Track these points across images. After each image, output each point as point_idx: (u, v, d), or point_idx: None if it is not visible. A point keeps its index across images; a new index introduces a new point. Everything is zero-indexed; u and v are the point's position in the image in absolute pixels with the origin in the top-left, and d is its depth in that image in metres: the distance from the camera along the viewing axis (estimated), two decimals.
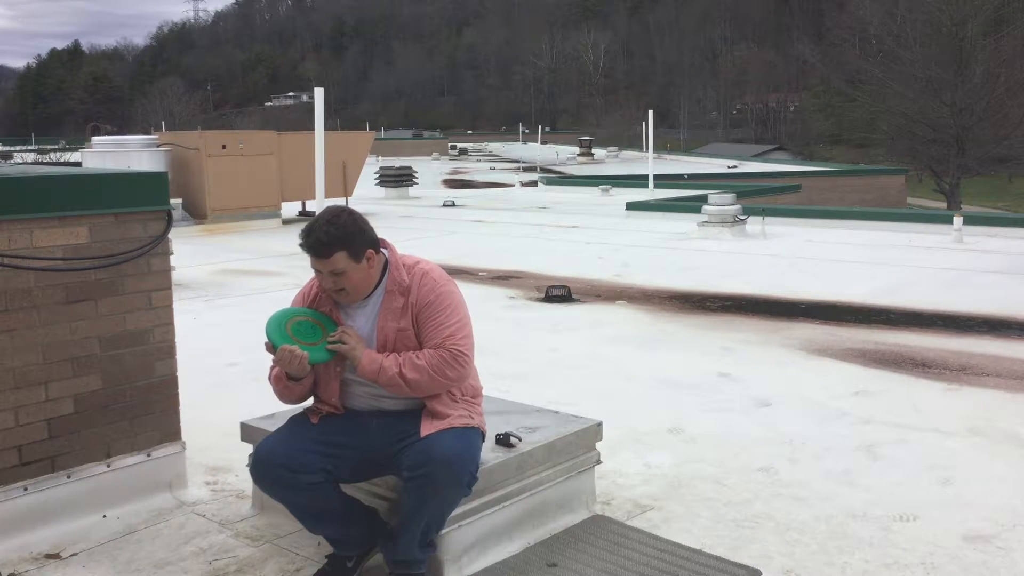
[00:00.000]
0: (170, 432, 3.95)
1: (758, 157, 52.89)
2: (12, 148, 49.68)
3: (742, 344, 6.99)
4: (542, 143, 51.71)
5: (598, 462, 3.81)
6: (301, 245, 3.09)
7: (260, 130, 26.60)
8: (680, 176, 27.74)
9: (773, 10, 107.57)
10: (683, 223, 14.88)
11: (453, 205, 20.66)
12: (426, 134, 79.49)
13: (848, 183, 29.45)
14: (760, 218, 14.01)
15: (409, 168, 24.38)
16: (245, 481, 3.97)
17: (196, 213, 15.34)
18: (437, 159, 49.11)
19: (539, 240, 14.01)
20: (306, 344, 3.11)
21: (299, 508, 3.16)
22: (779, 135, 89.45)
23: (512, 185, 28.62)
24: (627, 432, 4.78)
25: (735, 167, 38.39)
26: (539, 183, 28.85)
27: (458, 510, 3.17)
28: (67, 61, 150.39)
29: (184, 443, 4.01)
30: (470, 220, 17.18)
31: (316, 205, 8.81)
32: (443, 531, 3.16)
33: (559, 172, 37.75)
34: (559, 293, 8.92)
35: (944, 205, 37.51)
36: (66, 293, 3.56)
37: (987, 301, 8.51)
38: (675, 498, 4.01)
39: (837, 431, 4.93)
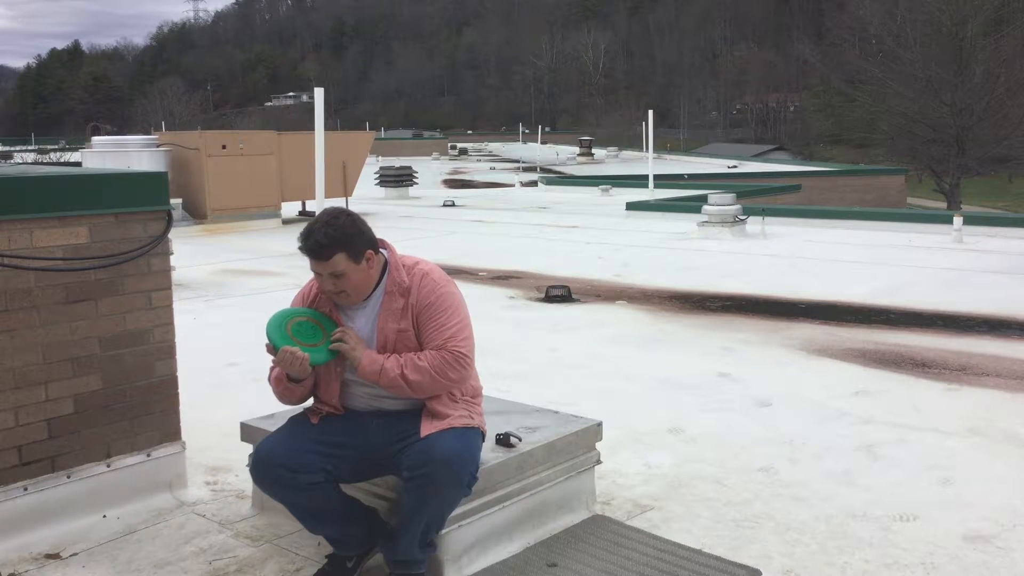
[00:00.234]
0: (170, 432, 3.95)
1: (758, 157, 52.90)
2: (12, 148, 49.68)
3: (742, 344, 6.99)
4: (542, 143, 51.74)
5: (598, 462, 3.81)
6: (300, 248, 3.08)
7: (260, 130, 26.60)
8: (680, 176, 27.75)
9: (773, 10, 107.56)
10: (683, 223, 14.88)
11: (453, 205, 20.66)
12: (426, 134, 79.50)
13: (848, 183, 29.46)
14: (760, 218, 14.01)
15: (409, 168, 24.38)
16: (245, 481, 3.97)
17: (196, 213, 15.34)
18: (437, 159, 49.12)
19: (539, 240, 14.01)
20: (307, 345, 3.11)
21: (299, 508, 3.16)
22: (779, 135, 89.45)
23: (512, 185, 28.62)
24: (627, 432, 4.78)
25: (735, 167, 38.39)
26: (539, 183, 28.85)
27: (458, 510, 3.17)
28: (67, 61, 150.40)
29: (184, 443, 4.01)
30: (470, 220, 17.18)
31: (316, 205, 8.80)
32: (443, 531, 3.16)
33: (559, 172, 37.76)
34: (559, 293, 8.92)
35: (944, 205, 37.52)
36: (66, 293, 3.56)
37: (987, 301, 8.51)
38: (675, 498, 4.01)
39: (837, 431, 4.93)
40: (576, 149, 52.81)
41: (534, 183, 29.09)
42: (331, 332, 3.16)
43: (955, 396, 5.58)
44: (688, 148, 72.98)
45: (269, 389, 3.29)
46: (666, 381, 5.97)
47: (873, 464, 4.43)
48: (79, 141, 40.27)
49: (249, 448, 3.73)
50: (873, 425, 5.01)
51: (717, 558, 3.39)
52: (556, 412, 3.89)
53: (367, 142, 20.46)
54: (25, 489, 3.51)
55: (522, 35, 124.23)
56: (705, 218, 13.93)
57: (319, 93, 8.70)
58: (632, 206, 17.78)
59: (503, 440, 3.45)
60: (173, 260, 3.96)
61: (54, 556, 3.44)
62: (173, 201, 13.23)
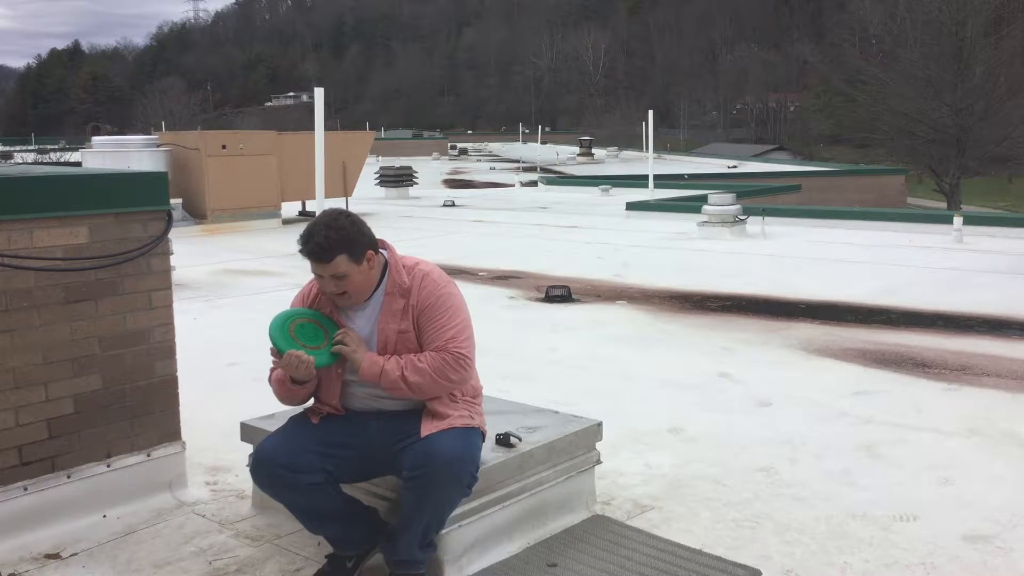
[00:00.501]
0: (170, 432, 3.95)
1: (758, 157, 52.95)
2: (12, 148, 49.67)
3: (742, 344, 6.99)
4: (542, 143, 51.79)
5: (598, 462, 3.81)
6: (301, 250, 3.07)
7: (260, 130, 26.60)
8: (680, 176, 27.76)
9: (773, 10, 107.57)
10: (683, 223, 14.88)
11: (453, 205, 20.66)
12: (426, 134, 79.50)
13: (848, 183, 29.49)
14: (760, 218, 14.01)
15: (409, 168, 24.38)
16: (245, 481, 3.97)
17: (196, 213, 15.34)
18: (437, 159, 49.13)
19: (539, 240, 14.01)
20: (310, 348, 3.10)
21: (299, 509, 3.16)
22: (779, 135, 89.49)
23: (512, 185, 28.63)
24: (627, 432, 4.78)
25: (735, 167, 38.42)
26: (539, 183, 28.87)
27: (458, 510, 3.17)
28: (67, 61, 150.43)
29: (184, 443, 4.01)
30: (470, 220, 17.19)
31: (316, 205, 8.80)
32: (443, 531, 3.16)
33: (559, 172, 37.78)
34: (559, 293, 8.92)
35: (944, 205, 37.52)
36: (66, 293, 3.56)
37: (987, 301, 8.51)
38: (675, 498, 4.01)
39: (837, 431, 4.93)
40: (576, 149, 52.86)
41: (534, 183, 29.10)
42: (333, 333, 3.16)
43: (955, 396, 5.58)
44: (688, 148, 73.03)
45: (269, 389, 3.29)
46: (666, 381, 5.97)
47: (873, 464, 4.43)
48: (79, 141, 40.29)
49: (249, 448, 3.73)
50: (873, 425, 5.01)
51: (717, 558, 3.39)
52: (556, 412, 3.89)
53: (367, 142, 20.46)
54: (25, 489, 3.51)
55: (522, 35, 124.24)
56: (705, 218, 13.93)
57: (319, 93, 8.70)
58: (632, 206, 17.78)
59: (503, 440, 3.45)
60: (173, 260, 3.96)
61: (54, 556, 3.44)
62: (173, 201, 13.22)
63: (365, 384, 3.16)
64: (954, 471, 4.31)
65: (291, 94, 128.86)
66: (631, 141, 61.29)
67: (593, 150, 52.64)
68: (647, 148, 22.25)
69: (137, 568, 3.38)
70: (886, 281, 9.81)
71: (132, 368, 3.78)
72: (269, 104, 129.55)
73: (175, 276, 4.04)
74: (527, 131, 69.67)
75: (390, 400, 3.18)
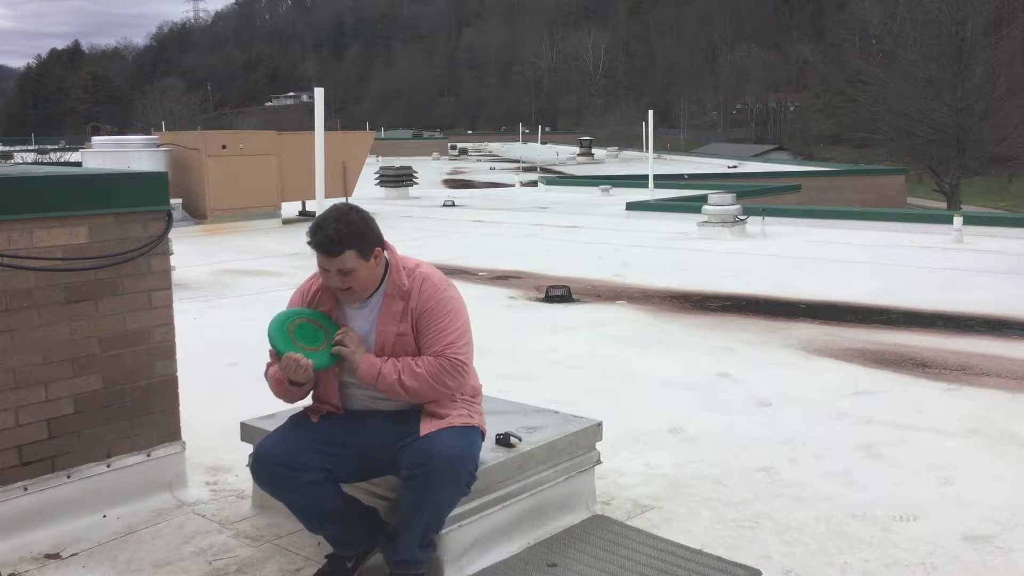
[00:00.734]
0: (170, 432, 3.95)
1: (758, 157, 52.95)
2: (12, 148, 49.67)
3: (742, 344, 6.99)
4: (542, 143, 51.77)
5: (598, 462, 3.81)
6: (309, 242, 3.06)
7: (260, 130, 26.59)
8: (680, 176, 27.77)
9: (773, 10, 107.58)
10: (683, 223, 14.88)
11: (453, 205, 20.66)
12: (426, 134, 79.52)
13: (848, 183, 29.49)
14: (760, 218, 14.01)
15: (409, 168, 24.37)
16: (245, 481, 3.97)
17: (196, 213, 15.34)
18: (437, 159, 49.13)
19: (539, 240, 14.01)
20: (309, 349, 3.10)
21: (299, 508, 3.16)
22: (779, 135, 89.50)
23: (512, 185, 28.63)
24: (627, 432, 4.78)
25: (735, 167, 38.42)
26: (539, 183, 28.86)
27: (458, 510, 3.17)
28: (67, 61, 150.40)
29: (184, 443, 4.01)
30: (470, 220, 17.19)
31: (316, 205, 8.80)
32: (443, 531, 3.16)
33: (559, 172, 37.79)
34: (559, 293, 8.92)
35: (944, 205, 37.52)
36: (66, 293, 3.56)
37: (987, 301, 8.51)
38: (675, 498, 4.01)
39: (837, 431, 4.93)
40: (576, 149, 52.85)
41: (534, 183, 29.10)
42: (332, 334, 3.15)
43: (955, 396, 5.58)
44: (688, 148, 73.03)
45: (269, 388, 3.29)
46: (666, 381, 5.97)
47: (873, 464, 4.43)
48: (79, 141, 40.29)
49: (249, 448, 3.73)
50: (873, 425, 5.01)
51: (717, 558, 3.39)
52: (556, 412, 3.89)
53: (367, 142, 20.46)
54: (25, 489, 3.51)
55: (522, 35, 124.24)
56: (705, 218, 13.93)
57: (319, 93, 8.70)
58: (632, 206, 17.78)
59: (503, 440, 3.45)
60: (173, 260, 3.96)
61: (54, 556, 3.44)
62: (173, 201, 13.22)
63: (363, 385, 3.16)
64: (954, 471, 4.31)
65: (291, 94, 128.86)
66: (631, 141, 61.30)
67: (593, 150, 52.63)
68: (647, 148, 22.25)
69: (137, 568, 3.38)
70: (886, 281, 9.81)
71: (132, 368, 3.78)
72: (269, 104, 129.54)
73: (175, 276, 4.04)
74: (527, 131, 69.66)
75: (388, 401, 3.17)
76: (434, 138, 70.39)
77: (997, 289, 9.24)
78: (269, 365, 3.24)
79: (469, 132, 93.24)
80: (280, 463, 3.04)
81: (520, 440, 3.48)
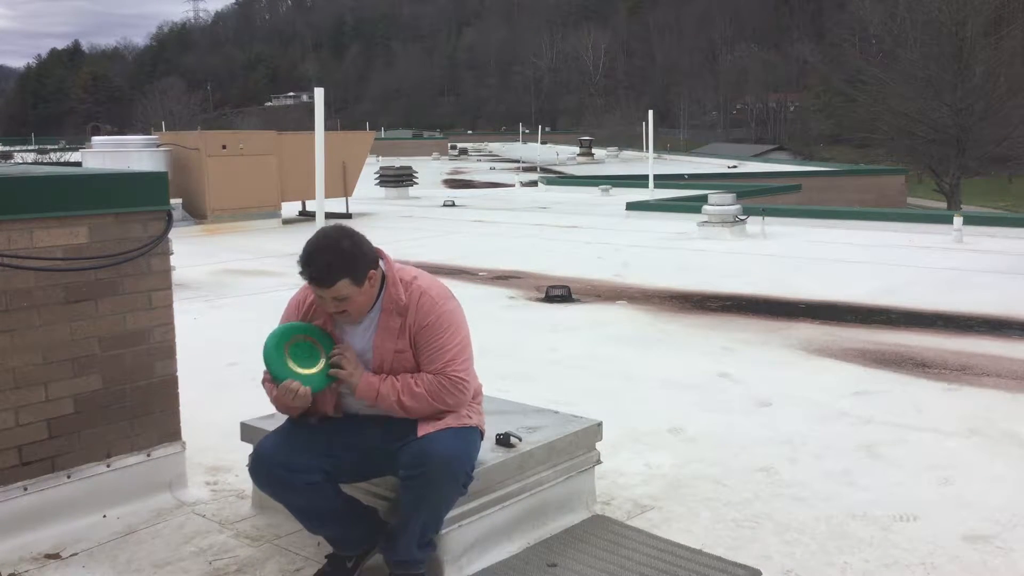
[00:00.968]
0: (170, 432, 3.95)
1: (758, 157, 52.93)
2: (12, 148, 49.66)
3: (742, 344, 6.99)
4: (542, 143, 51.77)
5: (598, 462, 3.81)
6: (301, 274, 2.99)
7: (260, 130, 26.59)
8: (680, 176, 27.76)
9: (773, 10, 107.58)
10: (683, 223, 14.88)
11: (453, 205, 20.66)
12: (426, 134, 79.49)
13: (848, 183, 29.48)
14: (760, 218, 14.01)
15: (409, 168, 24.37)
16: (245, 481, 3.96)
17: (196, 213, 15.34)
18: (437, 159, 49.12)
19: (539, 240, 14.01)
20: (306, 372, 3.06)
21: (298, 509, 3.16)
22: (779, 135, 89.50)
23: (512, 185, 28.62)
24: (627, 432, 4.78)
25: (735, 167, 38.41)
26: (539, 183, 28.85)
27: (458, 510, 3.17)
28: (67, 61, 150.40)
29: (184, 443, 4.01)
30: (470, 220, 17.18)
31: (316, 205, 8.80)
32: (443, 531, 3.16)
33: (559, 172, 37.78)
34: (559, 293, 8.92)
35: (944, 205, 37.53)
36: (66, 293, 3.56)
37: (987, 301, 8.51)
38: (675, 498, 4.01)
39: (837, 431, 4.93)
40: (576, 149, 52.83)
41: (534, 183, 29.09)
42: (328, 351, 3.10)
43: (955, 396, 5.58)
44: (688, 148, 73.02)
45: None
46: (666, 381, 5.97)
47: (873, 464, 4.43)
48: (79, 141, 40.28)
49: (249, 448, 3.72)
50: (873, 425, 5.01)
51: (717, 558, 3.40)
52: (556, 412, 3.89)
53: (367, 142, 20.46)
54: (25, 489, 3.51)
55: (522, 35, 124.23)
56: (705, 218, 13.93)
57: (319, 93, 8.69)
58: (632, 206, 17.78)
59: (503, 440, 3.45)
60: (173, 260, 3.96)
61: (54, 556, 3.44)
62: (173, 201, 13.22)
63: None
64: (954, 471, 4.31)
65: (291, 94, 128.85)
66: (631, 141, 61.30)
67: (593, 150, 52.60)
68: (647, 148, 22.25)
69: (137, 568, 3.38)
70: (886, 281, 9.81)
71: (132, 368, 3.78)
72: (269, 104, 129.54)
73: (175, 276, 4.04)
74: (527, 131, 69.64)
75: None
76: (434, 138, 70.37)
77: (997, 289, 9.24)
78: (265, 377, 3.22)
79: (469, 132, 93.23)
80: (278, 465, 3.04)
81: (520, 440, 3.48)
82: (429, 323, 3.06)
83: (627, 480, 4.20)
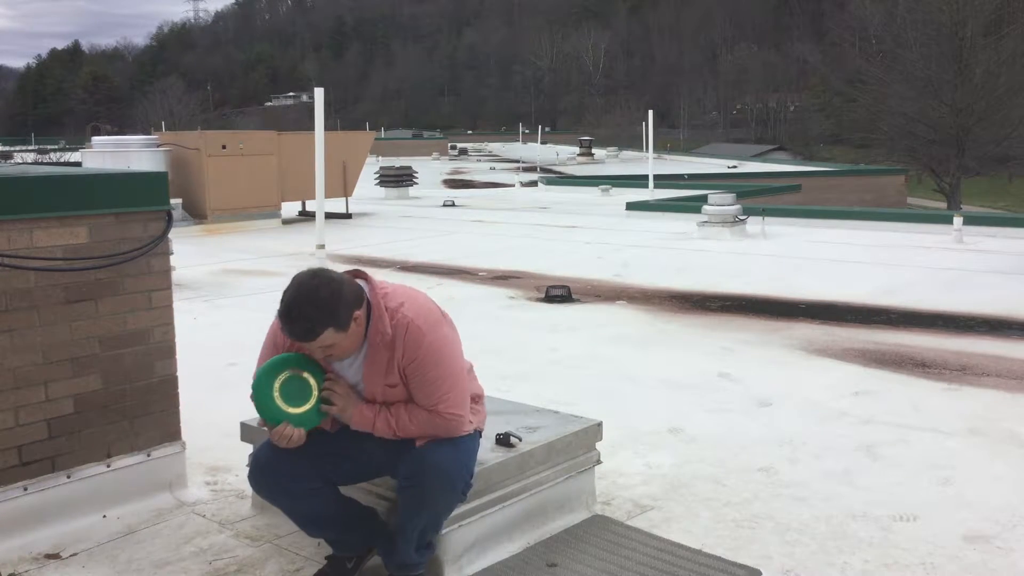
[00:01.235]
0: (170, 432, 3.95)
1: (758, 157, 52.93)
2: (12, 148, 49.62)
3: (742, 344, 6.99)
4: (542, 143, 51.68)
5: (598, 462, 3.81)
6: (282, 330, 2.88)
7: (260, 130, 26.58)
8: (680, 176, 27.74)
9: (773, 10, 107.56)
10: (683, 223, 14.88)
11: (453, 205, 20.66)
12: (426, 134, 79.45)
13: (848, 183, 29.46)
14: (760, 218, 14.01)
15: (409, 168, 24.37)
16: (245, 481, 3.94)
17: (196, 213, 15.34)
18: (437, 159, 49.11)
19: (539, 240, 14.01)
20: (297, 411, 2.97)
21: (297, 514, 3.15)
22: (779, 135, 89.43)
23: (512, 185, 28.60)
24: (627, 432, 4.78)
25: (735, 167, 38.40)
26: (539, 183, 28.85)
27: (458, 510, 3.17)
28: (67, 61, 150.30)
29: (184, 443, 4.01)
30: (470, 220, 17.18)
31: (316, 205, 8.80)
32: (443, 531, 3.16)
33: (559, 172, 37.77)
34: (559, 293, 8.92)
35: (944, 205, 37.52)
36: (66, 293, 3.56)
37: (987, 301, 8.51)
38: (675, 498, 4.01)
39: (837, 431, 4.93)
40: (576, 149, 52.81)
41: (534, 183, 29.08)
42: (319, 382, 3.01)
43: (955, 396, 5.58)
44: (688, 148, 72.97)
45: None
46: (666, 381, 5.97)
47: (873, 464, 4.43)
48: (79, 141, 40.27)
49: (249, 448, 3.74)
50: (873, 425, 5.01)
51: (717, 558, 3.40)
52: (556, 412, 3.89)
53: (367, 142, 20.46)
54: (25, 489, 3.51)
55: (522, 35, 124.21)
56: (705, 218, 13.92)
57: (319, 93, 8.69)
58: (632, 206, 17.78)
59: (503, 440, 3.45)
60: (173, 260, 3.96)
61: (54, 556, 3.44)
62: (173, 201, 13.22)
63: None
64: (954, 471, 4.31)
65: (291, 94, 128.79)
66: (631, 141, 61.30)
67: (593, 150, 52.58)
68: (647, 148, 22.24)
69: (137, 568, 3.38)
70: (886, 281, 9.81)
71: (132, 368, 3.78)
72: (269, 104, 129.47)
73: (175, 276, 4.04)
74: (527, 131, 69.58)
75: None
76: (434, 138, 70.32)
77: (997, 289, 9.24)
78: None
79: (469, 132, 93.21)
80: (277, 472, 3.04)
81: (520, 440, 3.48)
82: (418, 358, 2.94)
83: (627, 480, 4.20)
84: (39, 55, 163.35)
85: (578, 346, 7.02)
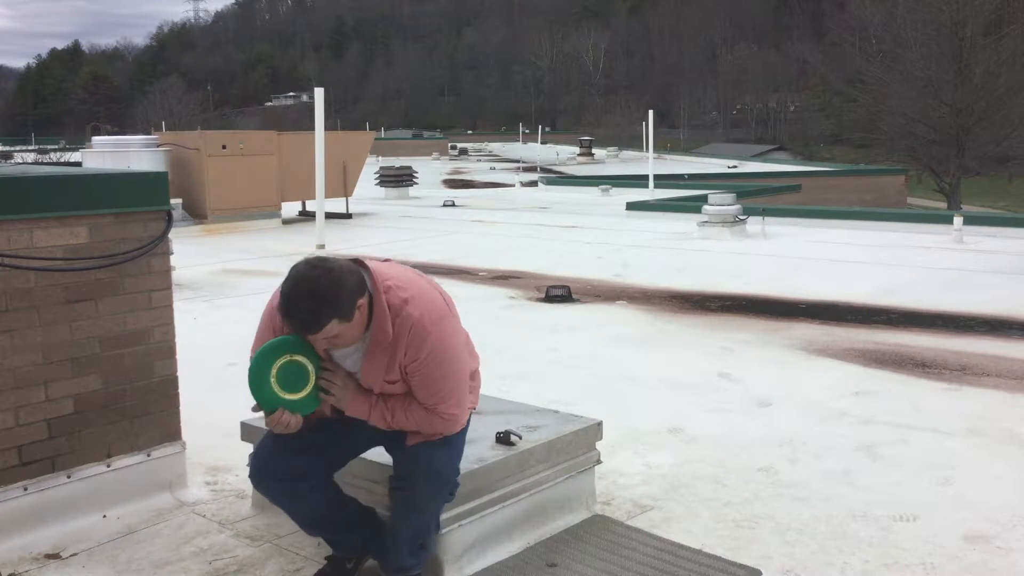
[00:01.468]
0: (170, 432, 3.95)
1: (758, 157, 52.93)
2: (12, 148, 49.61)
3: (742, 344, 6.99)
4: (542, 143, 51.68)
5: (598, 462, 3.81)
6: (284, 321, 2.78)
7: (260, 130, 26.58)
8: (680, 176, 27.74)
9: (773, 10, 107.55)
10: (683, 223, 14.88)
11: (453, 205, 20.66)
12: (426, 134, 79.45)
13: (848, 183, 29.47)
14: (760, 218, 14.01)
15: (409, 168, 24.36)
16: (245, 481, 3.95)
17: (196, 213, 15.34)
18: (437, 159, 49.11)
19: (539, 240, 14.01)
20: (294, 398, 2.93)
21: (299, 513, 3.15)
22: (779, 135, 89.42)
23: (512, 185, 28.60)
24: (627, 432, 4.78)
25: (735, 167, 38.40)
26: (539, 183, 28.85)
27: (458, 510, 3.18)
28: (67, 61, 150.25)
29: (184, 443, 4.01)
30: (470, 220, 17.18)
31: (316, 205, 8.80)
32: (443, 531, 3.16)
33: (559, 172, 37.77)
34: (559, 293, 8.92)
35: (944, 205, 37.52)
36: (66, 293, 3.56)
37: (987, 301, 8.51)
38: (675, 498, 4.01)
39: (837, 431, 4.93)
40: (576, 149, 52.80)
41: (534, 183, 29.09)
42: (316, 367, 2.95)
43: (955, 396, 5.58)
44: (688, 148, 72.99)
45: None
46: (666, 381, 5.97)
47: (873, 464, 4.43)
48: (79, 141, 40.26)
49: (249, 447, 3.73)
50: (873, 425, 5.01)
51: (717, 558, 3.40)
52: (556, 412, 3.89)
53: (367, 142, 20.46)
54: (25, 489, 3.51)
55: (522, 35, 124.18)
56: (705, 218, 13.93)
57: (319, 93, 8.69)
58: (632, 206, 17.78)
59: (503, 439, 3.45)
60: (173, 260, 3.96)
61: (54, 556, 3.44)
62: (173, 201, 13.21)
63: None
64: (954, 471, 4.31)
65: (291, 94, 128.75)
66: (631, 141, 61.28)
67: (593, 150, 52.57)
68: (647, 148, 22.25)
69: (137, 568, 3.38)
70: (886, 281, 9.81)
71: (132, 368, 3.78)
72: (269, 104, 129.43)
73: (175, 276, 4.04)
74: (527, 131, 69.56)
75: None
76: (434, 138, 70.32)
77: (997, 289, 9.24)
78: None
79: (469, 132, 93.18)
80: (278, 472, 3.03)
81: (520, 439, 3.48)
82: (420, 360, 2.87)
83: (627, 480, 4.20)
84: (39, 55, 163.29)
85: (578, 346, 7.02)
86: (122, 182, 3.81)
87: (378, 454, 3.25)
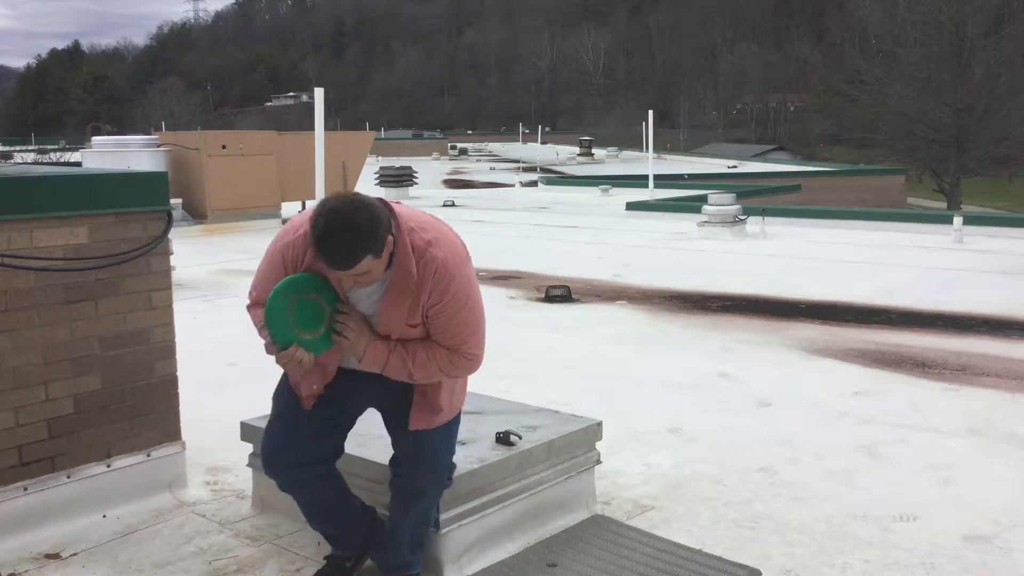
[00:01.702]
0: (170, 432, 3.95)
1: (758, 157, 52.92)
2: (12, 148, 49.62)
3: (742, 344, 6.99)
4: (542, 143, 51.66)
5: (598, 462, 3.81)
6: (317, 252, 2.66)
7: (260, 130, 26.59)
8: (680, 176, 27.76)
9: (773, 10, 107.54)
10: (683, 223, 14.88)
11: (453, 205, 20.66)
12: (426, 134, 79.43)
13: (848, 183, 29.46)
14: (760, 218, 14.01)
15: (409, 168, 24.37)
16: (245, 481, 3.97)
17: (196, 213, 15.34)
18: (437, 159, 49.12)
19: (539, 240, 14.01)
20: (309, 337, 2.86)
21: (307, 502, 3.14)
22: (779, 135, 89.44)
23: (512, 185, 28.60)
24: (627, 432, 4.78)
25: (735, 167, 38.40)
26: (539, 183, 28.86)
27: (458, 509, 3.18)
28: (67, 61, 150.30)
29: (184, 443, 4.01)
30: (470, 220, 17.17)
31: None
32: (443, 531, 3.16)
33: (559, 172, 37.77)
34: (559, 293, 8.92)
35: (944, 205, 37.53)
36: (66, 293, 3.56)
37: (987, 301, 8.51)
38: (675, 498, 4.01)
39: (837, 431, 4.93)
40: (576, 149, 52.83)
41: (534, 183, 29.09)
42: (332, 307, 2.87)
43: (955, 396, 5.58)
44: (688, 148, 72.96)
45: (269, 389, 3.22)
46: (666, 381, 5.97)
47: (873, 464, 4.43)
48: (79, 141, 40.26)
49: (249, 448, 3.74)
50: (873, 425, 5.01)
51: (717, 558, 3.39)
52: (556, 412, 3.89)
53: (367, 142, 20.45)
54: (25, 489, 3.51)
55: (522, 35, 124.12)
56: (705, 218, 13.93)
57: (319, 93, 8.70)
58: (632, 206, 17.78)
59: (503, 438, 3.45)
60: (173, 260, 3.96)
61: (54, 556, 3.44)
62: (173, 201, 13.21)
63: None
64: (954, 471, 4.31)
65: (291, 94, 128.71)
66: (631, 141, 61.25)
67: (593, 150, 52.61)
68: (647, 148, 22.26)
69: (137, 568, 3.38)
70: (886, 281, 9.81)
71: (132, 368, 3.78)
72: (269, 104, 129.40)
73: (175, 276, 4.04)
74: (527, 131, 69.52)
75: None
76: (434, 138, 70.32)
77: (997, 289, 9.24)
78: (252, 302, 3.04)
79: (469, 132, 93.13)
80: (290, 463, 3.02)
81: (520, 438, 3.48)
82: (444, 302, 2.80)
83: (627, 480, 4.20)
84: (39, 55, 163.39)
85: (578, 346, 7.02)
86: (122, 182, 3.81)
87: (378, 453, 3.25)
